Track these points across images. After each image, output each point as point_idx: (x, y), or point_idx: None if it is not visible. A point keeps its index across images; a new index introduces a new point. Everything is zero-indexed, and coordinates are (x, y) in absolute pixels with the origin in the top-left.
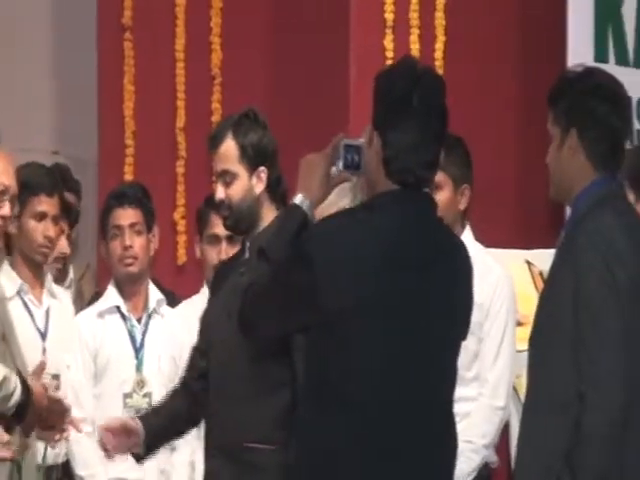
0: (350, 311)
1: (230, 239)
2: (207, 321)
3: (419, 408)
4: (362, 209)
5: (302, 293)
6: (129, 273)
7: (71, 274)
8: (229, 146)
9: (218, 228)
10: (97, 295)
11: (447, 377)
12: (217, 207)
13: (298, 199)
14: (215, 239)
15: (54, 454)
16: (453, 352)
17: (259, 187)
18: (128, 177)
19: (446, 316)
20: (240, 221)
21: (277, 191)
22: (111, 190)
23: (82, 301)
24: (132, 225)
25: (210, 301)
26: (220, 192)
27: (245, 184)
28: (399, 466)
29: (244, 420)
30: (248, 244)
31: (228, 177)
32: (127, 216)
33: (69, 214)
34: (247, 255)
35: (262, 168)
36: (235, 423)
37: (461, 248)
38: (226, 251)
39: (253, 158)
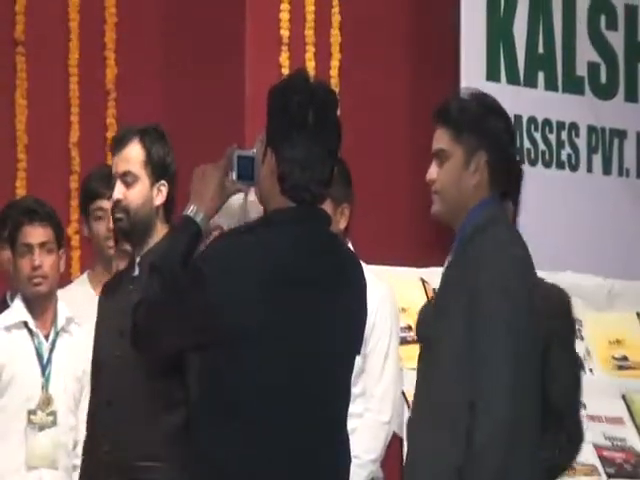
0: (245, 331)
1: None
2: (96, 340)
3: (313, 425)
4: (258, 227)
5: (197, 313)
6: (38, 293)
7: None
8: (135, 149)
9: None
10: None
11: (341, 394)
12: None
13: (191, 211)
14: (124, 254)
15: None
16: (347, 369)
17: (158, 200)
18: (20, 192)
19: (340, 333)
20: (135, 227)
21: (170, 210)
22: (18, 204)
23: None
24: (42, 244)
25: (98, 319)
26: (118, 192)
27: (146, 191)
28: None
29: (137, 438)
30: (138, 260)
31: (130, 178)
32: (37, 234)
33: None
34: (137, 272)
35: (163, 182)
36: (128, 441)
37: (356, 265)
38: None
39: (157, 169)
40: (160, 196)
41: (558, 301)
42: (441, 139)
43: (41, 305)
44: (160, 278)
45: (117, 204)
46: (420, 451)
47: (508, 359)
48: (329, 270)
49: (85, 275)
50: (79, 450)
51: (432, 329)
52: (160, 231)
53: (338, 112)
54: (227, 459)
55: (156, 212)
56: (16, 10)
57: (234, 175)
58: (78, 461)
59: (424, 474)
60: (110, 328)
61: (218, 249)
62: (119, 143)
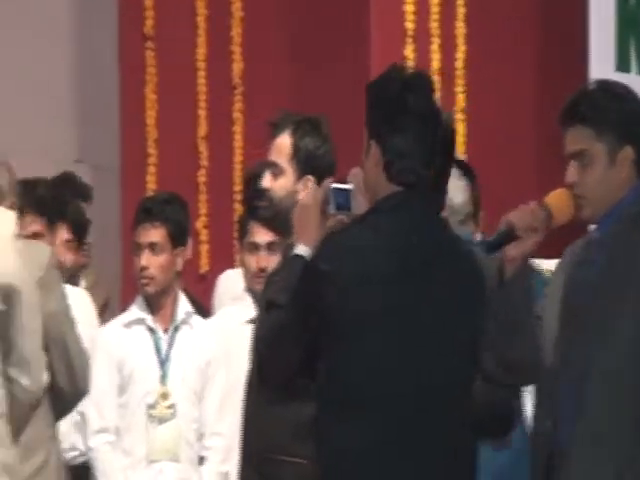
0: (361, 318)
1: (270, 247)
2: None
3: (431, 410)
4: (368, 214)
5: (315, 312)
6: (146, 293)
7: (83, 284)
8: (284, 141)
9: (258, 236)
10: (105, 306)
11: (461, 379)
12: (260, 195)
13: (300, 249)
14: (254, 247)
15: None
16: (466, 354)
17: (303, 194)
18: (150, 186)
19: (455, 318)
20: (277, 217)
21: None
22: (142, 199)
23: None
24: (151, 245)
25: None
26: (267, 181)
27: (289, 184)
28: (413, 467)
29: (268, 430)
30: (283, 249)
31: (277, 170)
32: (147, 235)
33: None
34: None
35: (310, 177)
36: (259, 433)
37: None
38: (266, 259)
39: (303, 163)
40: (305, 191)
41: None
42: (579, 139)
43: (158, 302)
44: (277, 310)
45: (263, 192)
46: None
47: None
48: (440, 255)
49: None
50: (206, 442)
51: (598, 312)
52: None
53: (436, 96)
54: (348, 450)
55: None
56: (145, 5)
57: (332, 208)
58: (205, 453)
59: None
60: None
61: (329, 244)
62: (273, 131)
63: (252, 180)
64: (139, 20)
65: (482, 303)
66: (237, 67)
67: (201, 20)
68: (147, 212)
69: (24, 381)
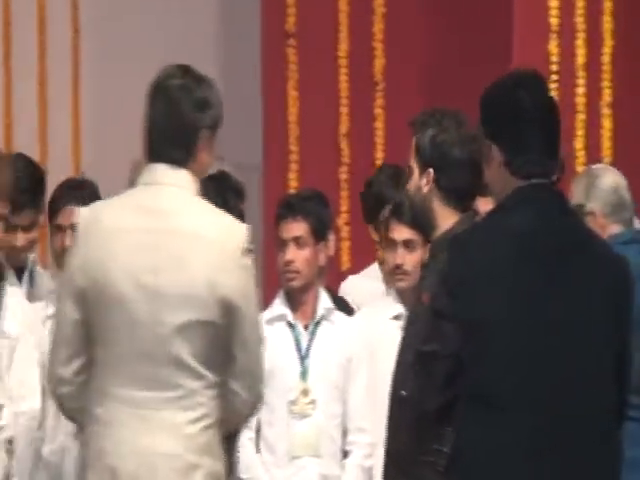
0: (482, 317)
1: (407, 244)
2: None
3: (562, 410)
4: (494, 211)
5: (444, 312)
6: (291, 287)
7: None
8: (414, 141)
9: (395, 233)
10: None
11: (598, 380)
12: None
13: None
14: (392, 244)
15: None
16: (603, 352)
17: (426, 187)
18: (292, 183)
19: (588, 313)
20: (415, 215)
21: (452, 195)
22: (282, 197)
23: None
24: (295, 239)
25: None
26: (407, 183)
27: (416, 180)
28: (533, 466)
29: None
30: (429, 246)
31: (409, 170)
32: (290, 229)
33: None
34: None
35: (430, 170)
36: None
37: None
38: (402, 256)
39: (423, 157)
40: (427, 184)
41: None
42: None
43: (299, 297)
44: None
45: (405, 195)
46: None
47: None
48: (570, 247)
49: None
50: (350, 437)
51: None
52: (443, 215)
53: (551, 93)
54: (469, 447)
55: (427, 198)
56: (287, 2)
57: None
58: (349, 447)
59: None
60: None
61: (451, 246)
62: (413, 130)
63: (370, 185)
64: (281, 17)
65: (625, 306)
66: (379, 63)
67: (343, 17)
68: (289, 207)
69: (244, 393)
